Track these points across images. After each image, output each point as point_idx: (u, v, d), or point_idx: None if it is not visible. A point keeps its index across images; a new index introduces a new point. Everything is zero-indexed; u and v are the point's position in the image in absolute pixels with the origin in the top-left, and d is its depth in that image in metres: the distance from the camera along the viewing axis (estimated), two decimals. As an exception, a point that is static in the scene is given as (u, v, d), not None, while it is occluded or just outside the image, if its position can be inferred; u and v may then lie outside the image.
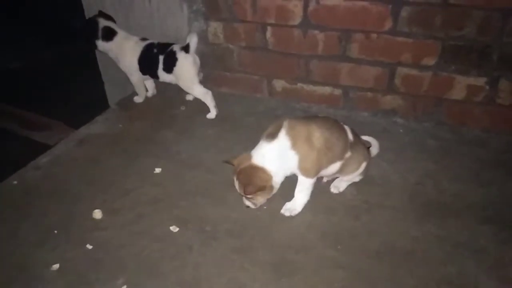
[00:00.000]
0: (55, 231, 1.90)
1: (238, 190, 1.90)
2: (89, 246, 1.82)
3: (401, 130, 2.64)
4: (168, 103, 2.96)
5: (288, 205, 1.99)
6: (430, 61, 2.52)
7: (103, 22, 2.74)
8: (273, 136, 1.85)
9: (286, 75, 2.90)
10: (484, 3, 2.28)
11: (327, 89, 2.83)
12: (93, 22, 2.75)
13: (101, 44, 2.77)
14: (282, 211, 1.98)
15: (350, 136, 1.96)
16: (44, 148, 2.56)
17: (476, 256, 1.75)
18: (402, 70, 2.61)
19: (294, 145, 1.82)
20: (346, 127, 1.99)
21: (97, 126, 2.72)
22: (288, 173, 1.92)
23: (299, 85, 2.89)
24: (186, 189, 2.14)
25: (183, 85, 2.70)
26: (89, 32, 2.75)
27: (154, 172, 2.27)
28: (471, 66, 2.46)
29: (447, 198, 2.07)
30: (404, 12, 2.42)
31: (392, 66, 2.61)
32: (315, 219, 1.95)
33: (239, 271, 1.70)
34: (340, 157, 1.92)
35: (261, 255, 1.77)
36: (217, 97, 2.77)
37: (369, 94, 2.74)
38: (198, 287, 1.64)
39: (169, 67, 2.64)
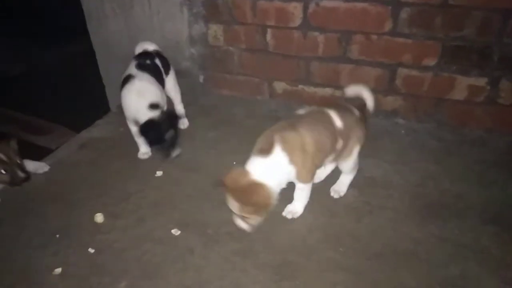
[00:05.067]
0: (57, 235, 1.90)
1: (234, 210, 1.76)
2: (91, 250, 1.82)
3: (402, 131, 2.64)
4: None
5: (289, 207, 1.98)
6: (431, 61, 2.51)
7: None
8: (267, 151, 1.75)
9: (286, 77, 2.90)
10: (484, 3, 2.27)
11: (327, 91, 2.83)
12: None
13: None
14: (284, 213, 1.97)
15: (339, 123, 1.87)
16: (45, 152, 2.57)
17: (479, 257, 1.75)
18: (402, 71, 2.60)
19: (292, 159, 1.76)
20: (332, 113, 1.88)
21: (98, 130, 2.73)
22: (284, 186, 1.88)
23: (300, 86, 2.89)
24: (187, 192, 2.14)
25: None
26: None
27: (155, 175, 2.27)
28: (471, 67, 2.45)
29: (449, 199, 2.06)
30: (404, 13, 2.42)
31: (392, 67, 2.61)
32: (316, 221, 1.95)
33: (241, 274, 1.70)
34: (332, 151, 1.89)
35: (262, 257, 1.77)
36: (217, 100, 2.77)
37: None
38: (200, 290, 1.64)
39: None
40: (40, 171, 2.29)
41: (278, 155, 1.75)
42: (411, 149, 2.45)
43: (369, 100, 2.08)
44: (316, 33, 2.67)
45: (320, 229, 1.91)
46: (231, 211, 1.95)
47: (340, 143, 1.88)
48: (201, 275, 1.70)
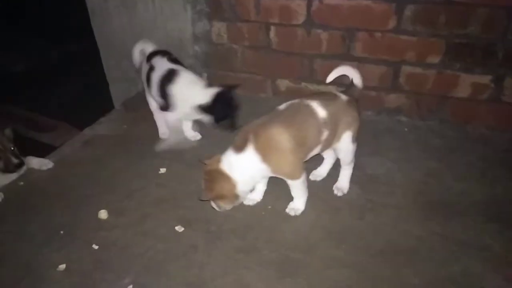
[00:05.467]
0: (61, 232, 1.91)
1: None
2: (95, 247, 1.83)
3: (405, 129, 2.64)
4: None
5: (291, 204, 1.99)
6: (435, 59, 2.51)
7: None
8: (240, 148, 1.79)
9: (290, 75, 2.90)
10: (488, 0, 2.27)
11: (331, 88, 2.82)
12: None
13: None
14: (287, 210, 1.98)
15: (323, 113, 1.83)
16: (49, 149, 2.59)
17: (481, 254, 1.75)
18: (406, 69, 2.60)
19: (265, 158, 1.77)
20: (314, 104, 1.85)
21: (102, 127, 2.74)
22: (259, 180, 1.90)
23: (303, 84, 2.89)
24: (191, 189, 2.14)
25: None
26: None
27: (159, 172, 2.28)
28: (475, 64, 2.45)
29: (451, 197, 2.06)
30: (408, 10, 2.42)
31: (396, 64, 2.61)
32: (319, 219, 1.96)
33: (244, 270, 1.71)
34: (317, 143, 1.87)
35: (265, 254, 1.78)
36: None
37: (373, 92, 2.73)
38: (203, 287, 1.65)
39: None
40: (44, 167, 2.31)
41: (251, 154, 1.77)
42: (414, 146, 2.45)
43: (355, 76, 2.04)
44: (320, 31, 2.67)
45: (322, 226, 1.92)
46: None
47: (325, 134, 1.86)
48: (204, 272, 1.70)
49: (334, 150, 2.04)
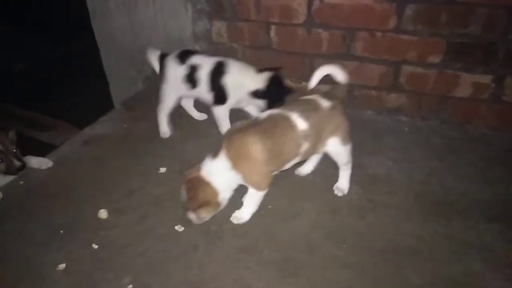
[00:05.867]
0: (61, 231, 1.91)
1: (183, 201, 1.85)
2: (95, 246, 1.82)
3: (406, 129, 2.63)
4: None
5: (237, 212, 1.94)
6: (435, 59, 2.50)
7: None
8: (215, 154, 1.79)
9: (290, 74, 2.89)
10: (489, 0, 2.26)
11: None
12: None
13: None
14: (231, 218, 1.94)
15: (303, 126, 1.80)
16: (49, 148, 2.58)
17: (483, 254, 1.74)
18: (407, 68, 2.60)
19: (235, 166, 1.76)
20: (295, 116, 1.81)
21: (102, 126, 2.73)
22: (236, 187, 1.88)
23: (304, 83, 2.89)
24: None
25: None
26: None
27: (159, 171, 2.27)
28: (476, 64, 2.44)
29: (453, 197, 2.06)
30: (409, 10, 2.41)
31: (397, 64, 2.60)
32: (319, 219, 1.95)
33: (244, 270, 1.70)
34: (294, 155, 1.85)
35: (266, 254, 1.77)
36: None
37: (374, 92, 2.73)
38: (203, 287, 1.64)
39: None
40: (44, 167, 2.31)
41: (222, 160, 1.77)
42: (415, 146, 2.44)
43: (339, 74, 2.00)
44: (320, 30, 2.67)
45: (323, 226, 1.91)
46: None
47: (304, 146, 1.84)
48: (204, 272, 1.70)
49: (329, 154, 2.01)
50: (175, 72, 2.44)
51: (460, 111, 2.61)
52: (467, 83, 2.51)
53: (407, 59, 2.56)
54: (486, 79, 2.46)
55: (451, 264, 1.71)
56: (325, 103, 1.89)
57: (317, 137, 1.86)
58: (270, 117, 1.84)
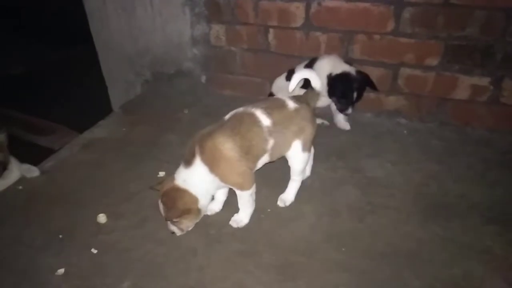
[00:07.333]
0: (60, 236, 1.90)
1: (163, 214, 1.81)
2: (94, 250, 1.82)
3: (404, 131, 2.64)
4: (171, 106, 2.96)
5: (235, 216, 1.95)
6: (433, 61, 2.51)
7: None
8: (189, 162, 1.77)
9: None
10: (487, 2, 2.27)
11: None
12: None
13: None
14: (230, 222, 1.94)
15: (267, 122, 1.80)
16: (48, 152, 2.58)
17: (482, 257, 1.74)
18: (405, 71, 2.60)
19: (212, 169, 1.75)
20: (258, 112, 1.81)
21: (100, 130, 2.73)
22: (214, 192, 1.89)
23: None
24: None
25: None
26: None
27: (158, 175, 2.27)
28: (474, 66, 2.45)
29: (451, 199, 2.06)
30: (406, 13, 2.42)
31: (395, 66, 2.61)
32: (318, 222, 1.95)
33: (244, 274, 1.70)
34: (264, 151, 1.84)
35: (265, 258, 1.77)
36: (220, 100, 2.76)
37: (372, 95, 2.73)
38: (202, 291, 1.64)
39: None
40: (28, 175, 2.27)
41: (199, 166, 1.76)
42: (414, 149, 2.44)
43: (313, 79, 1.95)
44: (318, 33, 2.68)
45: (322, 229, 1.91)
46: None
47: (270, 142, 1.83)
48: (204, 276, 1.70)
49: (287, 159, 1.98)
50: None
51: (459, 113, 2.61)
52: (465, 85, 2.52)
53: (405, 61, 2.57)
54: (484, 81, 2.47)
55: (451, 266, 1.71)
56: (291, 104, 1.88)
57: (282, 136, 1.85)
58: (234, 116, 1.85)
